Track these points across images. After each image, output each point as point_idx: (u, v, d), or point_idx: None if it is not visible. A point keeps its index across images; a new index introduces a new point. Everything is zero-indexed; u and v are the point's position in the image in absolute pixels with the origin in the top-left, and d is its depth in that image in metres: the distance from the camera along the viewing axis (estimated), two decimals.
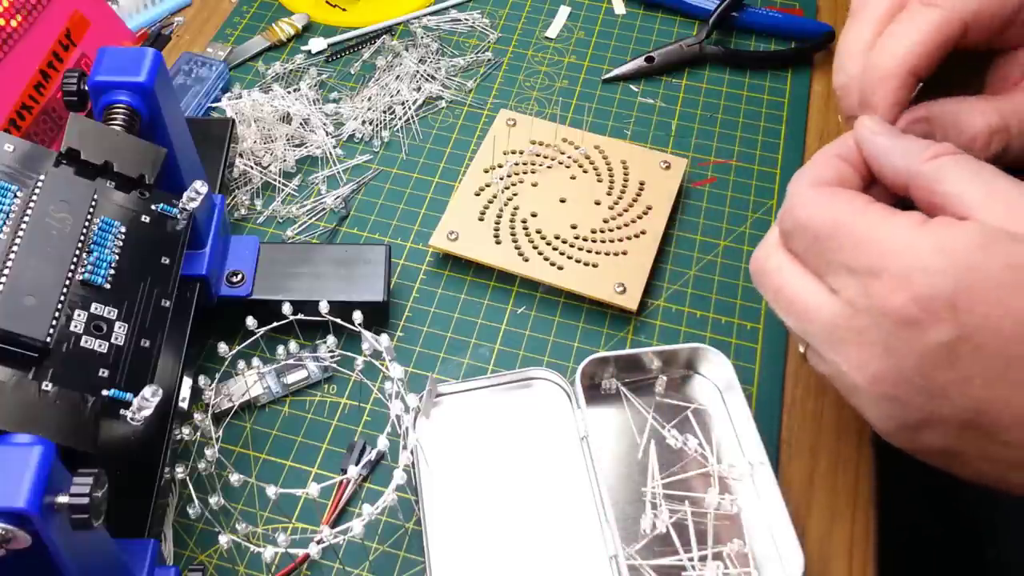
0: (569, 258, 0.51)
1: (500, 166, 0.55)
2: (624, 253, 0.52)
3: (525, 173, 0.55)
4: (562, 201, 0.54)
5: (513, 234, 0.53)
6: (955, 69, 0.42)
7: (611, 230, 0.53)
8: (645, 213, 0.53)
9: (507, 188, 0.54)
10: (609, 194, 0.54)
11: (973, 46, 0.41)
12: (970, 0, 0.39)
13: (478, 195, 0.54)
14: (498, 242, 0.52)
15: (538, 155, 0.56)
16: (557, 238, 0.52)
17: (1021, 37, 0.41)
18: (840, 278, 0.35)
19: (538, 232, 0.53)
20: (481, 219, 0.53)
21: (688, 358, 0.47)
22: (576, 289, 0.50)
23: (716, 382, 0.47)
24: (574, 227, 0.53)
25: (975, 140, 0.40)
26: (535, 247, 0.52)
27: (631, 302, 0.50)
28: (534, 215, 0.53)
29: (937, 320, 0.32)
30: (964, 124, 0.40)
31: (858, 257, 0.34)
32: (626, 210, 0.54)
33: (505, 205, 0.54)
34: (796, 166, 0.54)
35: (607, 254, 0.51)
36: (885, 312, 0.33)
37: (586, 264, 0.51)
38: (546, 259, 0.51)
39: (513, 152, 0.56)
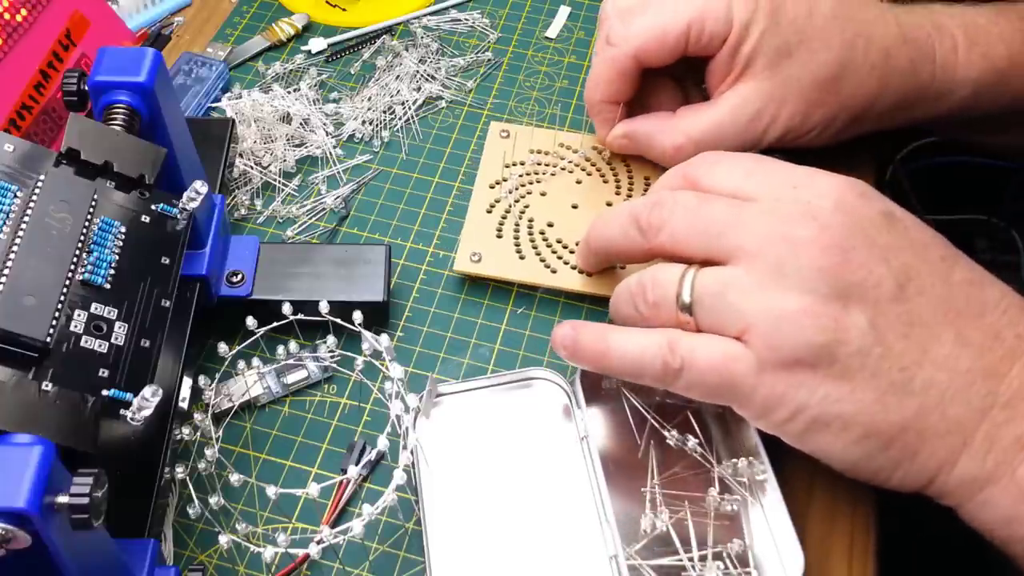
0: None
1: (505, 180, 0.55)
2: None
3: (531, 183, 0.55)
4: (574, 207, 0.54)
5: (535, 247, 0.52)
6: (664, 85, 0.53)
7: None
8: None
9: (517, 201, 0.54)
10: (618, 193, 0.54)
11: (666, 64, 0.50)
12: (634, 38, 0.49)
13: (490, 212, 0.54)
14: (522, 257, 0.52)
15: (539, 163, 0.56)
16: (579, 245, 0.52)
17: (703, 51, 0.49)
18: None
19: (559, 241, 0.52)
20: (499, 236, 0.53)
21: None
22: (611, 294, 0.50)
23: None
24: None
25: (664, 155, 0.51)
26: (559, 257, 0.51)
27: None
28: (551, 225, 0.53)
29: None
30: (656, 143, 0.52)
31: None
32: None
33: (520, 219, 0.53)
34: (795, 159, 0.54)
35: None
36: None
37: (613, 267, 0.51)
38: (573, 268, 0.51)
39: (514, 164, 0.56)
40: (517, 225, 0.53)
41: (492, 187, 0.55)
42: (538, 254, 0.52)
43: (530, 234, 0.53)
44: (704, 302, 0.38)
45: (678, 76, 0.54)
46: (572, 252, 0.52)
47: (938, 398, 0.36)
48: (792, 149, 0.52)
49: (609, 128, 0.53)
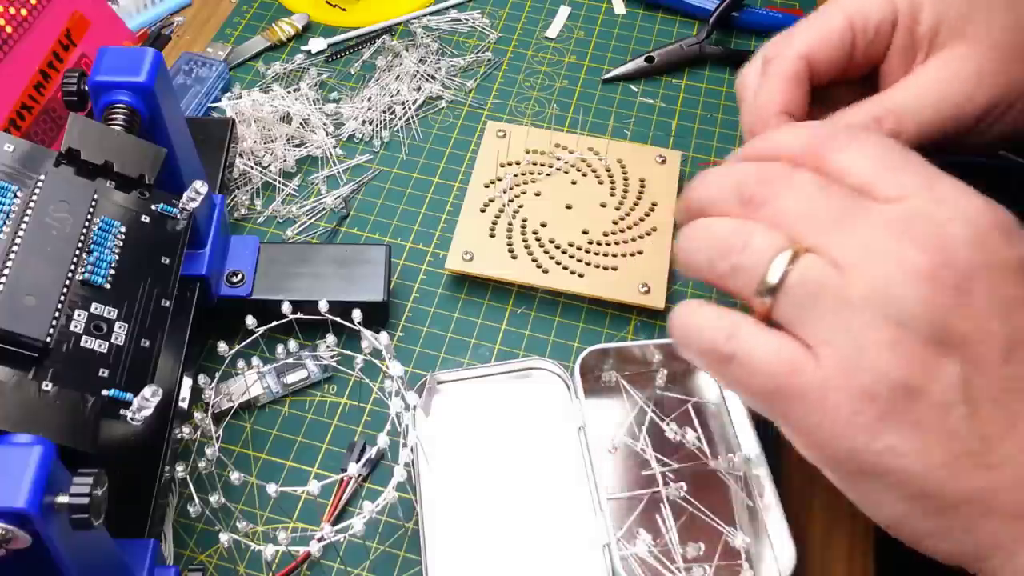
0: (587, 264, 0.51)
1: (500, 179, 0.55)
2: (640, 252, 0.51)
3: (526, 183, 0.55)
4: (568, 207, 0.54)
5: (527, 247, 0.52)
6: (840, 96, 0.45)
7: (622, 231, 0.53)
8: (652, 210, 0.53)
9: (511, 200, 0.54)
10: (612, 195, 0.54)
11: (837, 69, 0.44)
12: (798, 43, 0.43)
13: (484, 211, 0.54)
14: (514, 257, 0.52)
15: (535, 164, 0.56)
16: (572, 245, 0.52)
17: (875, 47, 0.44)
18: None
19: (551, 242, 0.52)
20: (492, 235, 0.53)
21: None
22: (601, 295, 0.50)
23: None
24: (585, 232, 0.53)
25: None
26: (551, 257, 0.52)
27: (658, 301, 0.50)
28: (544, 225, 0.53)
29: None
30: (856, 122, 0.42)
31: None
32: (632, 209, 0.54)
33: (513, 218, 0.53)
34: None
35: (624, 255, 0.51)
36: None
37: (605, 268, 0.51)
38: (565, 268, 0.51)
39: (510, 164, 0.56)
40: (510, 224, 0.53)
41: (487, 186, 0.55)
42: (530, 254, 0.52)
43: (523, 234, 0.53)
44: (793, 294, 0.33)
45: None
46: (565, 252, 0.52)
47: (1013, 478, 0.32)
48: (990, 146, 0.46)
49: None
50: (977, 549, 0.33)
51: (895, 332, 0.32)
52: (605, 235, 0.52)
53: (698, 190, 0.38)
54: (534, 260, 0.52)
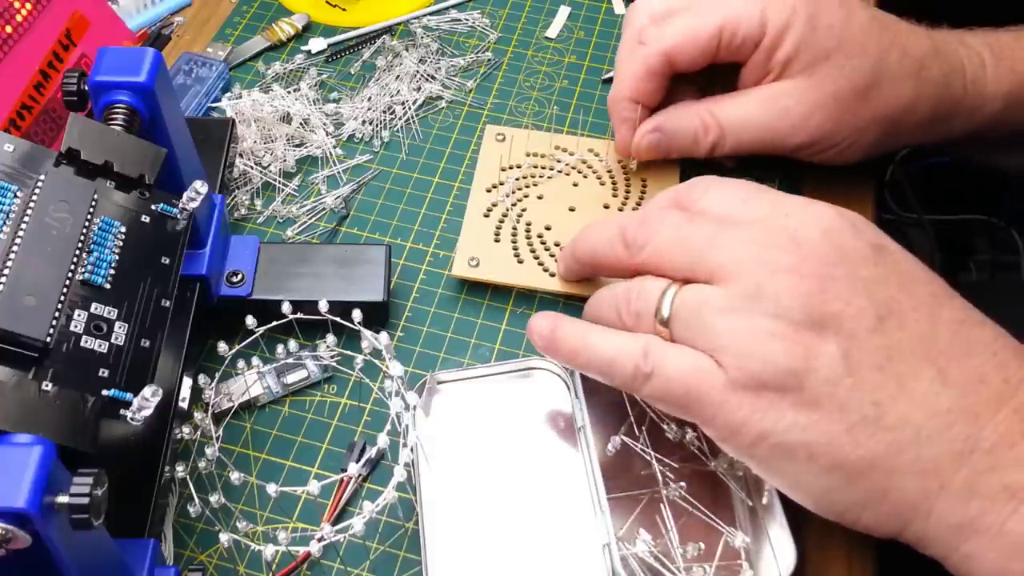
0: None
1: (501, 183, 0.55)
2: None
3: (528, 187, 0.55)
4: (571, 210, 0.54)
5: (533, 251, 0.52)
6: (689, 95, 0.53)
7: None
8: None
9: (514, 204, 0.54)
10: (615, 196, 0.54)
11: (697, 67, 0.50)
12: (667, 38, 0.49)
13: (487, 216, 0.53)
14: (520, 261, 0.52)
15: (536, 167, 0.56)
16: (562, 251, 0.52)
17: (735, 56, 0.50)
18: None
19: (556, 245, 0.52)
20: (497, 240, 0.52)
21: None
22: None
23: None
24: None
25: (696, 139, 0.51)
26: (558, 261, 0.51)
27: None
28: (548, 228, 0.53)
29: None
30: (686, 127, 0.51)
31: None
32: (635, 209, 0.54)
33: (517, 222, 0.53)
34: (794, 160, 0.54)
35: None
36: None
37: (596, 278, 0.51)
38: None
39: (511, 167, 0.56)
40: (515, 229, 0.53)
41: (489, 191, 0.55)
42: (536, 258, 0.52)
43: (528, 238, 0.53)
44: (681, 317, 0.38)
45: (703, 88, 0.53)
46: None
47: (913, 436, 0.35)
48: (818, 164, 0.52)
49: (630, 128, 0.52)
50: (896, 513, 0.36)
51: (774, 324, 0.36)
52: None
53: (587, 240, 0.46)
54: (540, 264, 0.51)
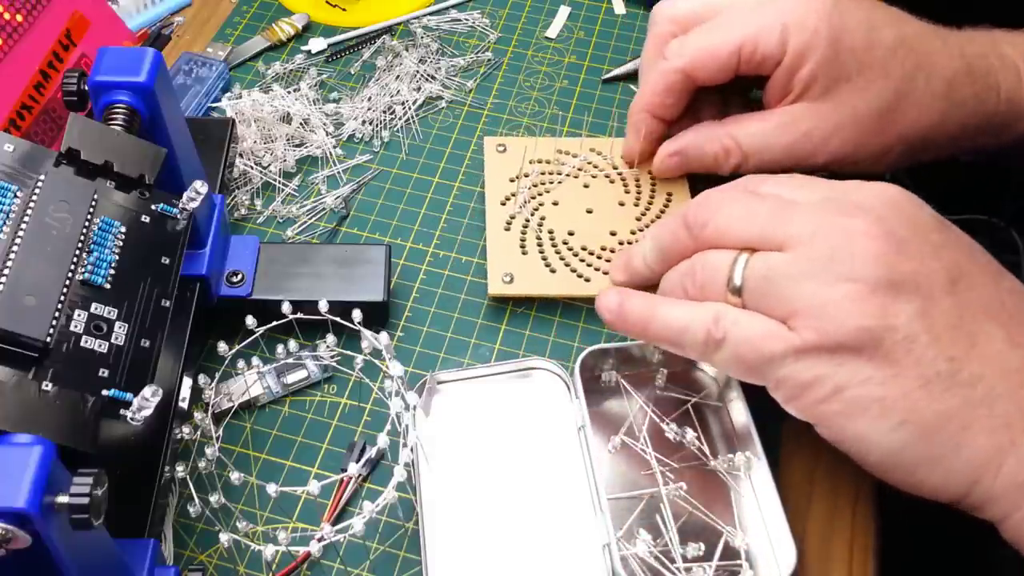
0: None
1: (514, 195, 0.54)
2: None
3: (541, 194, 0.54)
4: (589, 212, 0.53)
5: (562, 258, 0.51)
6: (710, 104, 0.53)
7: (647, 226, 0.52)
8: (669, 200, 0.53)
9: (532, 214, 0.53)
10: (627, 192, 0.54)
11: (718, 82, 0.50)
12: (687, 54, 0.50)
13: (508, 229, 0.52)
14: (552, 271, 0.51)
15: (543, 173, 0.55)
16: (604, 249, 0.51)
17: (757, 71, 0.49)
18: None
19: (584, 248, 0.52)
20: (524, 253, 0.52)
21: None
22: None
23: (717, 377, 0.47)
24: (614, 234, 0.52)
25: (716, 161, 0.51)
26: (589, 265, 0.51)
27: None
28: (571, 233, 0.52)
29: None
30: (707, 150, 0.51)
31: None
32: (650, 203, 0.53)
33: (540, 231, 0.52)
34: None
35: None
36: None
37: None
38: (605, 274, 0.50)
39: (519, 177, 0.55)
40: (539, 239, 0.52)
41: (503, 204, 0.54)
42: (567, 265, 0.51)
43: (554, 245, 0.52)
44: (753, 285, 0.39)
45: (726, 98, 0.53)
46: (599, 258, 0.51)
47: (985, 393, 0.36)
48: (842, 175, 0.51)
49: (638, 136, 0.53)
50: (967, 470, 0.36)
51: (851, 287, 0.37)
52: (633, 233, 0.52)
53: (655, 236, 0.46)
54: (573, 271, 0.51)
